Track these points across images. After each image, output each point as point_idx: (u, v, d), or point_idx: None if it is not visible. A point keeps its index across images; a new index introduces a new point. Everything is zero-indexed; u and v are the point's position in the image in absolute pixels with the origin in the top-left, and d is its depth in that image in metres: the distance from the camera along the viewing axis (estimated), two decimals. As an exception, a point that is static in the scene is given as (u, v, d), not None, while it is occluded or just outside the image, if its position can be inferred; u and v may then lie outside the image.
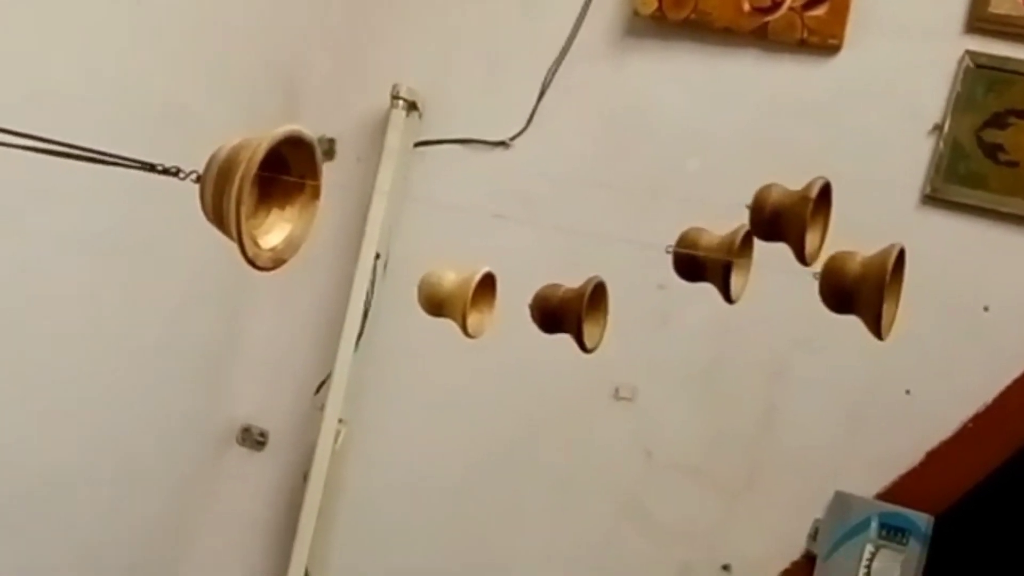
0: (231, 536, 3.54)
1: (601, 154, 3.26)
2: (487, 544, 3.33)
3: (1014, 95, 2.87)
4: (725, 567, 3.08)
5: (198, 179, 1.18)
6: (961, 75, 2.90)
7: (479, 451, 3.33)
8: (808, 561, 2.96)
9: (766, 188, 1.55)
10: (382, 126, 3.32)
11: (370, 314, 3.33)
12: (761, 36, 3.08)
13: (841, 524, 2.90)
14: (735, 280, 1.58)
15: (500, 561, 3.31)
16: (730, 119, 3.15)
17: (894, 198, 2.96)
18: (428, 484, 3.37)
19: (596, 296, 1.69)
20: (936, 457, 2.90)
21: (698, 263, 1.61)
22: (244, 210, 1.11)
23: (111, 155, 1.25)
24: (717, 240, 1.61)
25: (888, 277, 1.41)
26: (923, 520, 2.82)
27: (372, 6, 3.47)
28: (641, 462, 3.17)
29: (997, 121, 2.88)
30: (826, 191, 1.52)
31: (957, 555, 3.01)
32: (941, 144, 2.91)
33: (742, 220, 1.59)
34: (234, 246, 1.17)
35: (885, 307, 1.43)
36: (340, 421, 3.31)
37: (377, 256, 3.30)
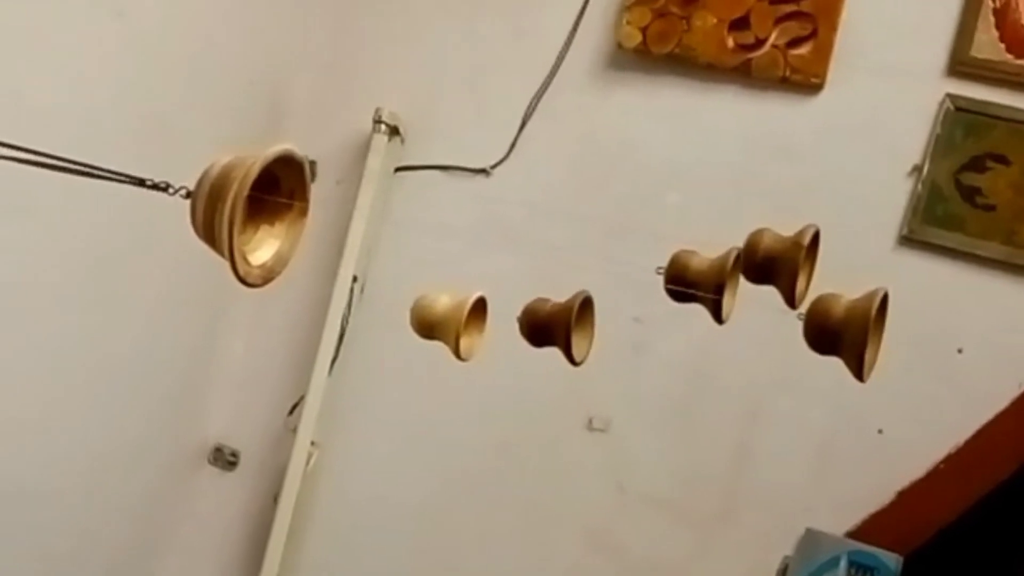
0: (200, 556, 3.52)
1: (581, 185, 3.27)
2: (456, 570, 3.32)
3: (993, 139, 2.89)
4: (694, 600, 3.09)
5: (188, 195, 1.18)
6: (941, 118, 2.92)
7: (450, 477, 3.33)
8: (777, 598, 2.97)
9: (758, 233, 1.57)
10: (363, 149, 3.32)
11: (346, 337, 3.32)
12: (744, 73, 3.09)
13: (810, 561, 2.90)
14: (726, 302, 1.59)
15: (468, 586, 3.31)
16: (711, 154, 3.16)
17: (871, 238, 2.97)
18: (398, 509, 3.36)
19: (584, 310, 1.71)
20: (907, 497, 2.91)
21: (689, 285, 1.62)
22: (236, 229, 1.11)
23: (100, 169, 1.24)
24: (708, 263, 1.63)
25: (872, 321, 1.42)
26: (892, 559, 2.83)
27: (357, 29, 3.48)
28: (613, 494, 3.17)
29: (975, 165, 2.90)
30: (816, 238, 1.54)
31: (925, 595, 3.02)
32: (919, 186, 2.93)
33: (738, 249, 1.60)
34: (213, 259, 1.17)
35: (868, 350, 1.44)
36: (312, 443, 3.30)
37: (354, 279, 3.29)
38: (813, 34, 3.02)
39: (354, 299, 3.32)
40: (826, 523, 2.93)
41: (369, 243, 3.33)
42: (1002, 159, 2.88)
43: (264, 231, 1.25)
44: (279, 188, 1.25)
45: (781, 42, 3.04)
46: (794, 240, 1.52)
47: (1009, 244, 2.87)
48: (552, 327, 1.71)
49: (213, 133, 3.01)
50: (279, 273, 1.26)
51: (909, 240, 2.95)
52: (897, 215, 2.96)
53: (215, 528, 3.52)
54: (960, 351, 2.91)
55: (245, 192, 1.10)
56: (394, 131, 3.32)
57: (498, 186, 3.32)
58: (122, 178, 1.25)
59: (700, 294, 1.59)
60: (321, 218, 3.25)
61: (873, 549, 2.86)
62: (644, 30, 3.14)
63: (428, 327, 1.68)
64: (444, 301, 1.67)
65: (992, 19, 2.89)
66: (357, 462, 3.40)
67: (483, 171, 3.32)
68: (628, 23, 3.16)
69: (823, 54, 3.02)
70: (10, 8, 2.39)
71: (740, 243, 1.61)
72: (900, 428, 2.95)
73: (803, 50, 3.03)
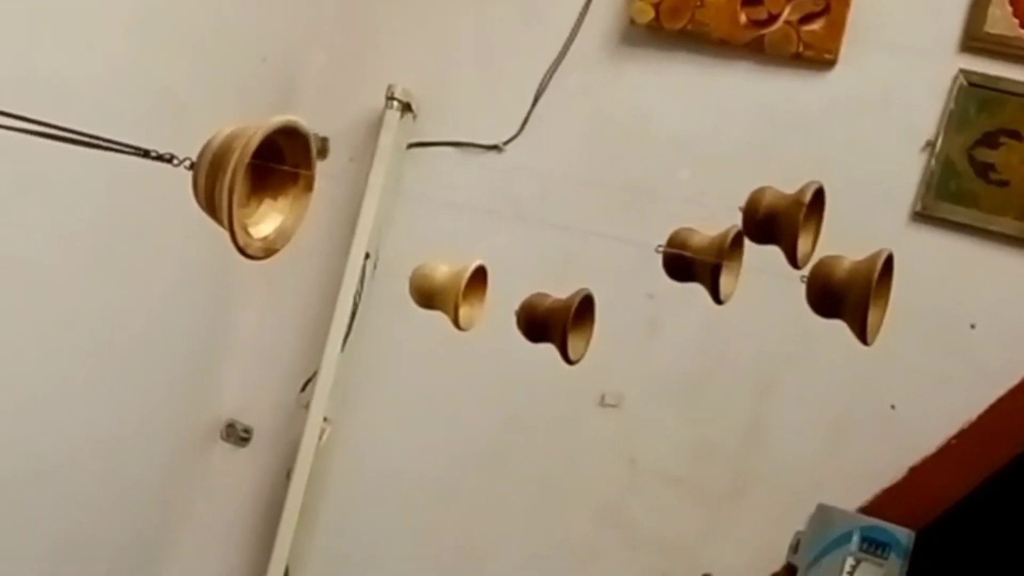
0: (212, 531, 3.53)
1: (593, 162, 3.27)
2: (468, 545, 3.33)
3: (1006, 115, 2.88)
4: (705, 576, 3.10)
5: (192, 166, 1.18)
6: (955, 93, 2.91)
7: (462, 452, 3.33)
8: (789, 573, 2.96)
9: (760, 191, 1.55)
10: (376, 126, 3.32)
11: (358, 314, 3.33)
12: (757, 49, 3.08)
13: (822, 537, 2.90)
14: (725, 281, 1.58)
15: (480, 562, 3.32)
16: (723, 130, 3.16)
17: (884, 214, 2.97)
18: (411, 484, 3.37)
19: (583, 308, 1.69)
20: (919, 473, 2.91)
21: (687, 263, 1.60)
22: (236, 198, 1.11)
23: (106, 140, 1.24)
24: (707, 240, 1.61)
25: (875, 282, 1.41)
26: (904, 535, 2.83)
27: (370, 6, 3.47)
28: (625, 469, 3.18)
29: (989, 140, 2.89)
30: (819, 195, 1.52)
31: (937, 571, 3.02)
32: (933, 162, 2.93)
33: (739, 206, 1.59)
34: (224, 239, 1.17)
35: (871, 312, 1.42)
36: (325, 419, 3.31)
37: (367, 256, 3.29)
38: (826, 10, 3.01)
39: (367, 276, 3.32)
40: (838, 499, 2.93)
41: (381, 220, 3.33)
42: (1015, 135, 2.87)
43: (268, 204, 1.25)
44: (283, 162, 1.25)
45: (794, 18, 3.03)
46: (795, 198, 1.50)
47: (1022, 219, 2.86)
48: (549, 324, 1.69)
49: (225, 110, 3.01)
50: (281, 247, 1.25)
51: (922, 216, 2.94)
52: (910, 191, 2.96)
53: (228, 504, 3.53)
54: (973, 327, 2.91)
55: (246, 160, 1.10)
56: (406, 108, 3.32)
57: (510, 162, 3.31)
58: (126, 149, 1.25)
59: (700, 262, 1.58)
60: (333, 195, 3.27)
61: (885, 524, 2.86)
62: (657, 6, 3.13)
63: (427, 296, 1.67)
64: (443, 270, 1.66)
65: (1006, -6, 2.88)
66: (369, 438, 3.41)
67: (495, 147, 3.32)
68: (641, -1, 3.16)
69: (836, 30, 3.01)
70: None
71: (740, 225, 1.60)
72: (913, 404, 2.95)
73: (816, 26, 3.02)
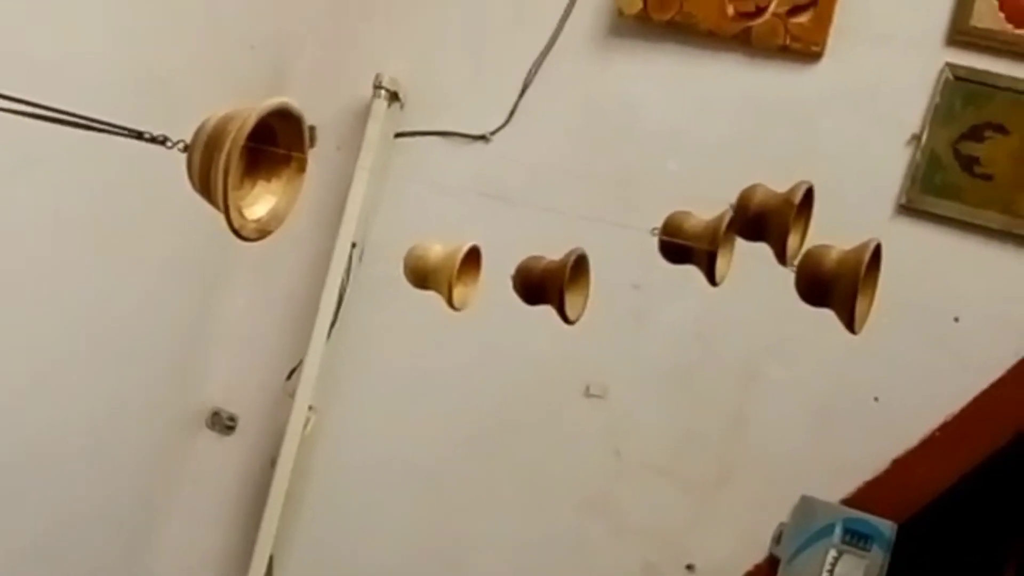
0: (198, 518, 3.53)
1: (581, 152, 3.27)
2: (452, 533, 3.33)
3: (992, 109, 2.89)
4: (689, 567, 3.10)
5: (185, 149, 1.18)
6: (940, 87, 2.92)
7: (448, 441, 3.34)
8: (771, 564, 2.98)
9: (751, 188, 1.56)
10: (363, 115, 3.32)
11: (344, 303, 3.33)
12: (744, 41, 3.09)
13: (805, 528, 2.92)
14: (720, 264, 1.59)
15: (464, 551, 3.32)
16: (710, 122, 3.16)
17: (869, 207, 2.98)
18: (395, 472, 3.37)
19: (578, 267, 1.71)
20: (902, 465, 2.92)
21: (683, 245, 1.62)
22: (231, 180, 1.11)
23: (99, 121, 1.25)
24: (702, 224, 1.62)
25: (863, 271, 1.42)
26: (887, 527, 2.84)
27: (358, -5, 3.48)
28: (610, 460, 3.18)
29: (974, 134, 2.90)
30: (809, 195, 1.54)
31: (919, 563, 3.03)
32: (918, 155, 2.94)
33: (730, 203, 1.60)
34: (211, 226, 1.17)
35: (859, 301, 1.44)
36: (310, 408, 3.31)
37: (353, 245, 3.30)
38: (813, 3, 3.02)
39: (353, 265, 3.32)
40: (821, 490, 2.95)
41: (368, 209, 3.33)
42: (1001, 128, 2.88)
43: (261, 187, 1.26)
44: (276, 145, 1.26)
45: (781, 10, 3.03)
46: (785, 197, 1.51)
47: (1007, 213, 2.87)
48: (546, 285, 1.71)
49: (214, 98, 2.96)
50: (275, 228, 1.26)
51: (907, 209, 2.96)
52: (895, 184, 2.97)
53: (213, 491, 3.53)
54: (957, 320, 2.92)
55: (241, 142, 1.11)
56: (394, 97, 3.33)
57: (498, 153, 3.32)
58: (120, 131, 1.25)
59: (696, 247, 1.59)
60: (321, 183, 3.27)
61: (868, 516, 2.88)
62: (645, -3, 3.14)
63: (422, 276, 1.68)
64: (437, 250, 1.68)
65: (992, -12, 2.89)
66: (354, 426, 3.42)
67: (483, 137, 3.32)
68: (629, -11, 3.17)
69: (823, 23, 3.02)
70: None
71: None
72: (896, 396, 2.96)
73: (803, 18, 3.03)
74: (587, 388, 3.20)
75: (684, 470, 3.13)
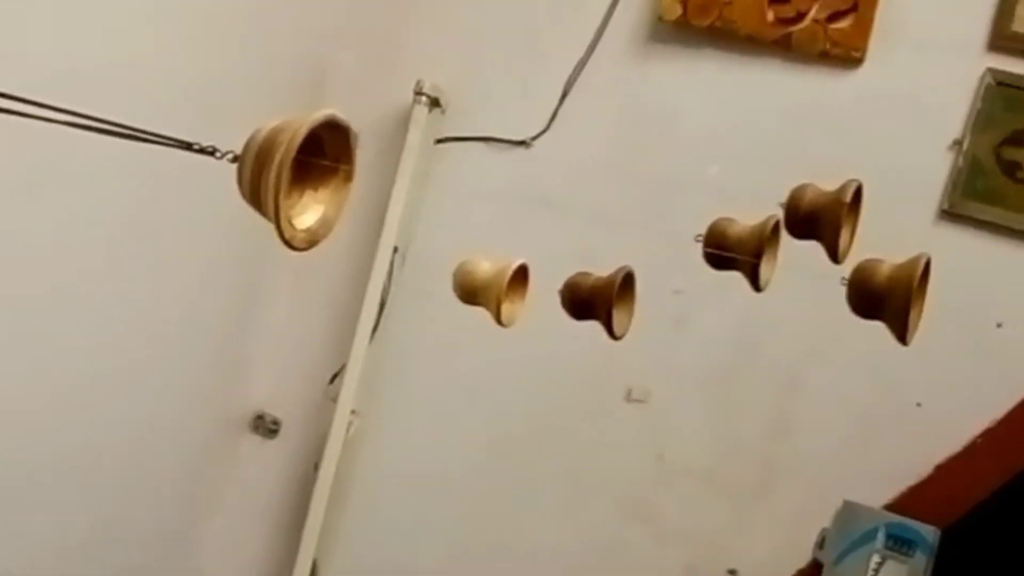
0: (241, 522, 3.56)
1: (621, 158, 3.28)
2: (494, 538, 3.34)
3: (1034, 114, 2.89)
4: (731, 572, 3.10)
5: (234, 159, 1.20)
6: (982, 92, 2.92)
7: (490, 446, 3.35)
8: (815, 569, 2.97)
9: (801, 188, 1.58)
10: (405, 121, 3.34)
11: (386, 307, 3.35)
12: (784, 46, 3.09)
13: (848, 533, 2.91)
14: (764, 268, 1.61)
15: (506, 555, 3.33)
16: (751, 128, 3.16)
17: (912, 212, 2.97)
18: (438, 477, 3.39)
19: (625, 285, 1.74)
20: (945, 470, 2.91)
21: (728, 250, 1.64)
22: (282, 192, 1.13)
23: (148, 132, 1.26)
24: (747, 230, 1.64)
25: (916, 284, 1.43)
26: (930, 532, 2.84)
27: (399, 2, 3.49)
28: (652, 464, 3.19)
29: (1016, 139, 2.89)
30: (858, 194, 1.55)
31: (962, 568, 3.02)
32: (960, 160, 2.93)
33: (779, 203, 1.62)
34: (256, 230, 1.19)
35: (911, 314, 1.45)
36: (353, 412, 3.33)
37: (395, 249, 3.31)
38: (854, 8, 3.02)
39: (395, 269, 3.34)
40: (864, 496, 2.94)
41: (410, 214, 3.35)
42: (1043, 134, 2.88)
43: (309, 196, 1.27)
44: (324, 154, 1.27)
45: (822, 16, 3.04)
46: (836, 196, 1.53)
47: (1049, 218, 2.87)
48: (594, 301, 1.74)
49: (258, 105, 3.03)
50: (324, 238, 1.27)
51: (949, 214, 2.95)
52: (937, 189, 2.96)
53: (257, 495, 3.55)
54: (999, 325, 2.91)
55: (292, 154, 1.12)
56: (435, 103, 3.34)
57: (538, 158, 3.33)
58: (170, 142, 1.26)
59: (739, 256, 1.61)
60: (362, 189, 3.26)
61: (911, 522, 2.87)
62: (685, 3, 3.15)
63: (471, 292, 1.70)
64: (486, 267, 1.70)
65: (1034, -7, 2.89)
66: (397, 431, 3.43)
67: (523, 143, 3.33)
68: (669, -5, 3.17)
69: (864, 28, 3.02)
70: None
71: (779, 216, 1.62)
72: (939, 402, 2.95)
73: (844, 24, 3.03)
74: (629, 392, 3.21)
75: (726, 475, 3.13)
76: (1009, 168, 2.90)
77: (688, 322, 3.15)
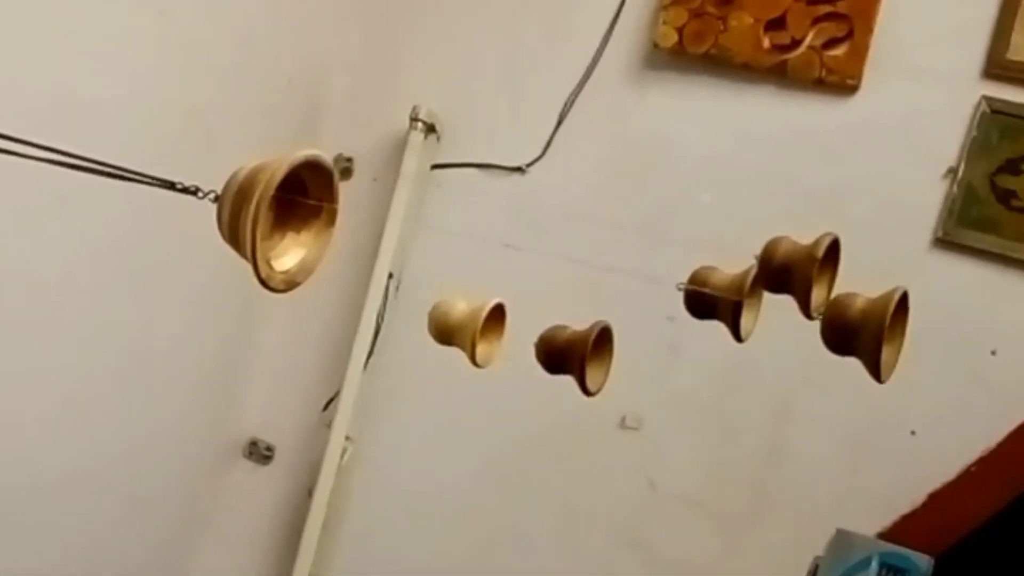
0: (235, 549, 3.55)
1: (616, 184, 3.28)
2: (488, 565, 3.33)
3: (1029, 142, 2.88)
4: (723, 600, 3.10)
5: (216, 199, 1.19)
6: (977, 120, 2.91)
7: (483, 473, 3.35)
8: (807, 597, 2.97)
9: (775, 241, 1.56)
10: (400, 147, 3.34)
11: (381, 333, 3.35)
12: (780, 73, 3.09)
13: (841, 562, 2.90)
14: (745, 319, 1.59)
15: (499, 582, 3.32)
16: (746, 155, 3.16)
17: (906, 240, 2.97)
18: (432, 504, 3.38)
19: (601, 340, 1.70)
20: (938, 499, 2.90)
21: (709, 301, 1.62)
22: (260, 232, 1.12)
23: (131, 171, 1.26)
24: (728, 279, 1.63)
25: (888, 321, 1.42)
26: (923, 561, 2.82)
27: (394, 28, 3.50)
28: (644, 492, 3.18)
29: (1011, 167, 2.89)
30: (834, 248, 1.53)
31: (956, 597, 3.02)
32: (955, 188, 2.93)
33: (754, 255, 1.61)
34: (248, 265, 1.18)
35: (886, 350, 1.44)
36: (347, 438, 3.33)
37: (390, 276, 3.31)
38: (849, 35, 3.02)
39: (389, 295, 3.34)
40: (857, 524, 2.93)
41: (405, 240, 3.35)
42: (1038, 162, 2.88)
43: (291, 239, 1.27)
44: (307, 195, 1.26)
45: (817, 43, 3.04)
46: (809, 251, 1.51)
47: (1043, 247, 2.87)
48: (568, 356, 1.71)
49: (251, 131, 3.03)
50: (302, 281, 1.27)
51: (944, 242, 2.95)
52: (932, 217, 2.96)
53: (250, 521, 3.55)
54: (994, 353, 2.91)
55: (270, 194, 1.12)
56: (431, 129, 3.34)
57: (533, 184, 3.33)
58: (152, 181, 1.26)
59: (723, 295, 1.60)
60: (357, 215, 3.28)
61: (904, 550, 2.85)
62: (680, 30, 3.15)
63: (446, 334, 1.69)
64: (460, 308, 1.68)
65: (1029, 21, 2.89)
66: (391, 457, 3.43)
67: (519, 169, 3.34)
68: (664, 23, 3.17)
69: (859, 55, 3.02)
70: (52, 7, 2.41)
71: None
72: (933, 429, 2.95)
73: (839, 51, 3.03)
74: (623, 420, 3.20)
75: (719, 503, 3.13)
76: (1004, 196, 2.89)
77: (681, 349, 3.15)
